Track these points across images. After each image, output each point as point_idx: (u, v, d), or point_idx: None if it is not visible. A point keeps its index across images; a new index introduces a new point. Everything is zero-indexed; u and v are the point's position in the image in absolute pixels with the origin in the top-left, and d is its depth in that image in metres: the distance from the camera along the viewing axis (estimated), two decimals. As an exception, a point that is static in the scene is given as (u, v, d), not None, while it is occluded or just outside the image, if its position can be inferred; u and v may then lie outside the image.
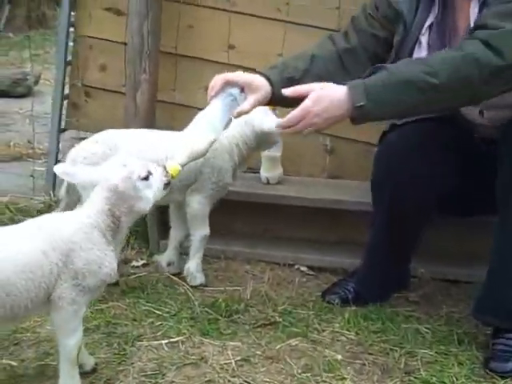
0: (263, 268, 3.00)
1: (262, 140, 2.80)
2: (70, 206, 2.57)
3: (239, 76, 2.28)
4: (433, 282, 2.93)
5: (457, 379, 2.19)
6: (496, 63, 2.10)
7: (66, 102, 3.55)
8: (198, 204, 2.77)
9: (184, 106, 3.36)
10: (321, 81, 2.22)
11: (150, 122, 3.17)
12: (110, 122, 3.39)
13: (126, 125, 3.15)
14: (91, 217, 1.97)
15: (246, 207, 3.09)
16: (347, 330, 2.45)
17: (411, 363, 2.28)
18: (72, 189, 2.65)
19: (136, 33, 3.12)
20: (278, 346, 2.32)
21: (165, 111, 3.32)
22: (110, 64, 3.41)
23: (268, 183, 3.20)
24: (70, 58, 3.48)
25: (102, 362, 2.19)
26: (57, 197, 3.42)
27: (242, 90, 2.25)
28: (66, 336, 1.97)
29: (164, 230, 2.99)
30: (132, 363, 2.20)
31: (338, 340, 2.40)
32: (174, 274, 2.85)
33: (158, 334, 2.38)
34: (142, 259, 3.00)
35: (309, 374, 2.18)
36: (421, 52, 2.42)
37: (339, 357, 2.26)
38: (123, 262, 2.89)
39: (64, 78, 3.41)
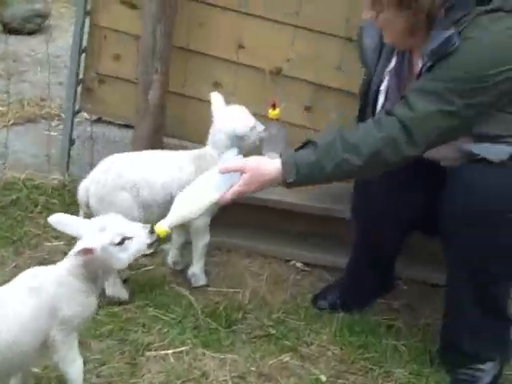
0: (262, 263, 3.28)
1: (240, 144, 2.81)
2: (89, 216, 2.77)
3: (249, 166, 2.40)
4: (417, 285, 3.19)
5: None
6: (408, 151, 2.29)
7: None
8: (199, 219, 2.81)
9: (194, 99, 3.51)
10: None
11: (161, 120, 3.35)
12: (122, 109, 3.59)
13: (137, 122, 3.34)
14: (70, 270, 2.14)
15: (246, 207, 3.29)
16: (333, 345, 2.75)
17: (387, 384, 2.59)
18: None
19: (149, 34, 3.23)
20: (271, 362, 2.63)
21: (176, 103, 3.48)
22: (123, 54, 3.51)
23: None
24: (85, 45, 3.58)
25: (115, 374, 2.49)
26: (71, 177, 3.65)
27: None
28: (67, 367, 2.18)
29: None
30: (142, 375, 2.51)
31: (323, 355, 2.70)
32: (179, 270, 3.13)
33: (165, 341, 2.67)
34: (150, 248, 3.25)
35: (296, 394, 2.51)
36: (381, 98, 2.58)
37: (323, 378, 2.57)
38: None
39: (78, 66, 3.53)
